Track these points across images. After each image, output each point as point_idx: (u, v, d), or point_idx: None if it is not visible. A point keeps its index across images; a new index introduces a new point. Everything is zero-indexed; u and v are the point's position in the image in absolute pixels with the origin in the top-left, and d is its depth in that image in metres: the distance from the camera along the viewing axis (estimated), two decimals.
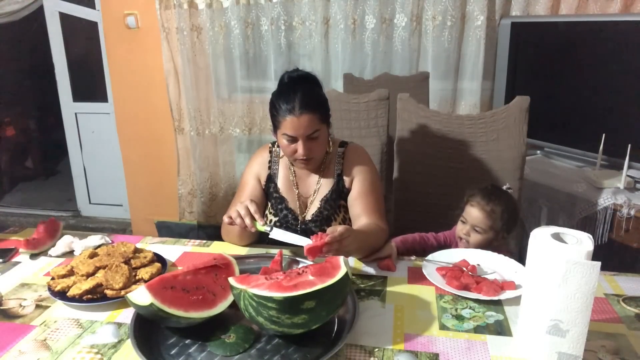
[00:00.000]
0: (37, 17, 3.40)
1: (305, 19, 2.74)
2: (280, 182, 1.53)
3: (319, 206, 1.49)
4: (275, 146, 1.56)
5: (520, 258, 1.31)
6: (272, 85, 2.83)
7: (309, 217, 1.50)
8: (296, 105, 1.32)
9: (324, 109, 1.40)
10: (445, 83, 2.66)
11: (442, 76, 2.64)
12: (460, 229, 1.46)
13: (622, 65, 2.02)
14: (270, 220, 1.52)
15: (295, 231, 1.48)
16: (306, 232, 1.47)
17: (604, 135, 1.98)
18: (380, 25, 2.65)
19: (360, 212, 1.45)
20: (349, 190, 1.49)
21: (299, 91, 1.34)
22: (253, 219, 1.26)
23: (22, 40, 4.44)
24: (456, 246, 1.49)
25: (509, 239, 1.53)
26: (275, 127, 1.40)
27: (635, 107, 1.98)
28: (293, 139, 1.36)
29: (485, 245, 1.41)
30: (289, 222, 1.50)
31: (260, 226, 1.26)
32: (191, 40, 2.89)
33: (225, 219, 1.30)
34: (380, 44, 2.69)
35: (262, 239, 1.42)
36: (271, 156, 1.55)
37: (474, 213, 1.41)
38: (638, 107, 1.97)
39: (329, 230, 1.15)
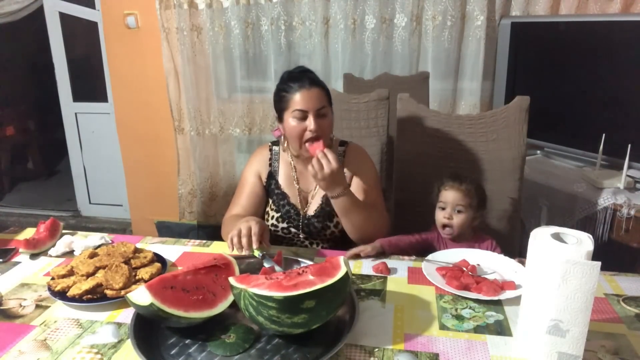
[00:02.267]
0: (37, 17, 3.40)
1: (305, 19, 2.74)
2: (281, 179, 1.55)
3: (320, 202, 1.51)
4: (275, 145, 1.59)
5: (520, 258, 1.32)
6: (272, 85, 2.82)
7: (311, 212, 1.52)
8: (306, 81, 1.39)
9: (329, 92, 1.46)
10: (445, 83, 2.66)
11: (442, 76, 2.64)
12: (441, 216, 1.47)
13: (622, 65, 2.02)
14: (272, 217, 1.54)
15: (297, 227, 1.50)
16: (309, 227, 1.50)
17: (604, 135, 1.98)
18: (380, 25, 2.65)
19: None
20: (349, 186, 1.51)
21: (306, 73, 1.43)
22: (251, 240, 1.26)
23: (22, 40, 4.44)
24: (438, 243, 1.50)
25: (483, 219, 1.58)
26: (283, 110, 1.42)
27: (635, 107, 1.98)
28: (303, 115, 1.38)
29: (467, 226, 1.45)
30: (291, 217, 1.51)
31: (256, 250, 1.26)
32: (191, 40, 2.89)
33: (234, 238, 1.29)
34: (380, 44, 2.69)
35: None
36: (271, 154, 1.58)
37: (451, 195, 1.45)
38: (638, 107, 1.97)
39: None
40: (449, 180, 1.48)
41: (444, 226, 1.46)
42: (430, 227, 1.58)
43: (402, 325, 1.02)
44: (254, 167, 1.57)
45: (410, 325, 1.02)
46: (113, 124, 3.34)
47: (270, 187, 1.56)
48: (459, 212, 1.44)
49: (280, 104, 1.43)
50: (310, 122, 1.38)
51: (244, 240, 1.25)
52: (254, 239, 1.25)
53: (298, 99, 1.38)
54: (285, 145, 1.53)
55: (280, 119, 1.46)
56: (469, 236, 1.48)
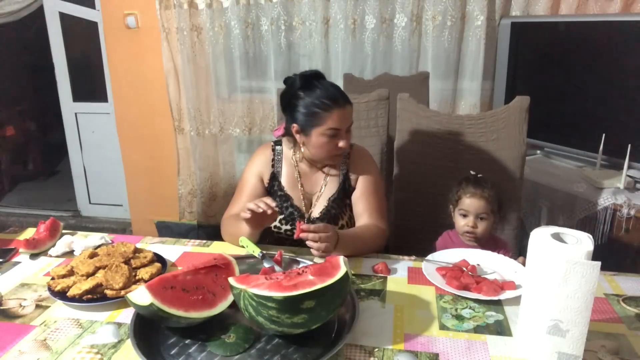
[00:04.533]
0: (37, 17, 3.40)
1: (305, 19, 2.74)
2: (285, 180, 1.53)
3: (326, 204, 1.50)
4: (277, 145, 1.56)
5: None
6: (272, 85, 2.85)
7: (315, 214, 1.51)
8: (339, 98, 1.38)
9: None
10: (445, 83, 2.66)
11: (442, 76, 2.64)
12: (463, 223, 1.45)
13: (622, 65, 2.02)
14: (279, 220, 1.52)
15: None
16: None
17: (604, 135, 1.98)
18: (380, 25, 2.65)
19: (362, 211, 1.48)
20: (354, 189, 1.51)
21: (333, 86, 1.42)
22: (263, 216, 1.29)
23: (22, 40, 4.44)
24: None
25: (502, 222, 1.58)
26: (314, 126, 1.39)
27: (635, 107, 1.98)
28: (336, 133, 1.39)
29: (489, 231, 1.45)
30: (295, 219, 1.50)
31: (255, 250, 1.28)
32: (191, 40, 2.89)
33: (245, 214, 1.28)
34: (380, 44, 2.68)
35: (261, 239, 1.42)
36: (274, 154, 1.55)
37: (474, 203, 1.43)
38: (638, 107, 1.97)
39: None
40: (470, 186, 1.45)
41: (467, 232, 1.45)
42: (430, 226, 1.58)
43: (402, 325, 1.02)
44: (256, 168, 1.54)
45: (410, 325, 1.02)
46: (113, 124, 3.34)
47: (272, 189, 1.54)
48: (482, 219, 1.43)
49: (312, 120, 1.39)
50: (343, 139, 1.40)
51: (262, 204, 1.25)
52: (273, 203, 1.27)
53: (334, 117, 1.37)
54: (296, 149, 1.51)
55: (305, 132, 1.42)
56: (485, 240, 1.47)
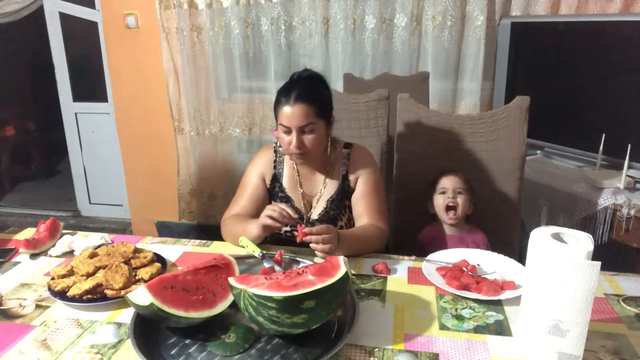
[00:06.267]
0: (37, 17, 3.40)
1: (305, 19, 2.74)
2: (285, 182, 1.53)
3: (325, 206, 1.50)
4: (279, 145, 1.56)
5: (520, 258, 1.32)
6: (272, 85, 2.85)
7: (315, 216, 1.50)
8: (292, 96, 1.36)
9: (322, 105, 1.42)
10: (445, 83, 2.66)
11: (442, 76, 2.64)
12: (444, 201, 1.55)
13: (622, 65, 2.02)
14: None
15: None
16: None
17: (604, 135, 1.98)
18: (380, 25, 2.65)
19: (363, 212, 1.48)
20: (354, 190, 1.51)
21: (299, 85, 1.39)
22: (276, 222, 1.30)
23: (22, 40, 4.44)
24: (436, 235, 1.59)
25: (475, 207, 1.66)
26: (276, 118, 1.43)
27: (635, 107, 1.98)
28: (288, 130, 1.39)
29: (467, 209, 1.56)
30: (295, 221, 1.50)
31: (256, 247, 1.29)
32: (191, 40, 2.89)
33: (268, 220, 1.29)
34: (380, 44, 2.69)
35: (262, 240, 1.42)
36: (276, 155, 1.56)
37: (450, 180, 1.56)
38: (638, 107, 1.97)
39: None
40: (443, 172, 1.60)
41: (448, 209, 1.53)
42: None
43: (402, 325, 1.02)
44: (258, 168, 1.55)
45: (410, 325, 1.02)
46: (113, 124, 3.34)
47: (274, 190, 1.54)
48: (459, 193, 1.55)
49: (274, 111, 1.43)
50: (293, 138, 1.38)
51: (285, 212, 1.27)
52: (290, 210, 1.29)
53: (283, 114, 1.37)
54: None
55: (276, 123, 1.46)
56: (463, 227, 1.58)
